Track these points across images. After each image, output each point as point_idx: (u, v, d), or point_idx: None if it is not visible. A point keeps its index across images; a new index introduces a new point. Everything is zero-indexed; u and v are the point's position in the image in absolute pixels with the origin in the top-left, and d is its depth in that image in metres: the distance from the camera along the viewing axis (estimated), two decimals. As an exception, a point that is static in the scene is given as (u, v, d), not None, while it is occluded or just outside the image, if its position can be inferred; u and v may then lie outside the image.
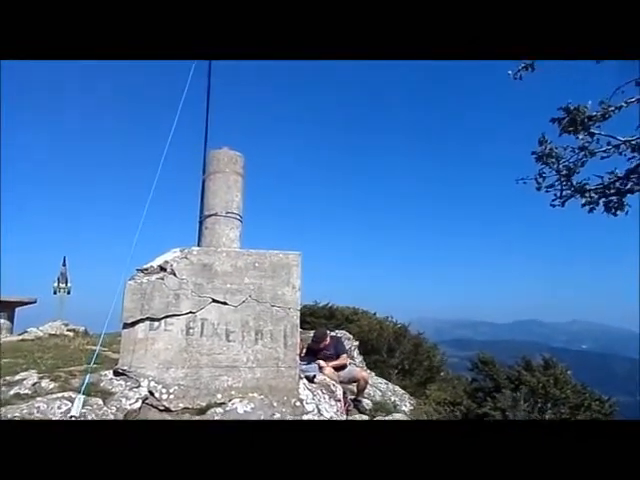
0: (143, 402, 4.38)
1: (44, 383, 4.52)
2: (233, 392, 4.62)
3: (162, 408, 4.46)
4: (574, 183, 4.12)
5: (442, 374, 11.78)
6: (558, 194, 4.24)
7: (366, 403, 6.08)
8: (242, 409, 4.42)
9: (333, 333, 7.18)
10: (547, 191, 4.21)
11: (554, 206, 4.25)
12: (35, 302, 11.06)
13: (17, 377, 4.66)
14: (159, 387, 4.51)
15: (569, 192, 4.16)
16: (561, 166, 4.12)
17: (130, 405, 4.26)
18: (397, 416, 5.81)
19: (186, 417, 4.38)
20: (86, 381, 4.21)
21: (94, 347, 6.75)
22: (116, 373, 4.58)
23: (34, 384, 4.50)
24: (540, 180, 4.20)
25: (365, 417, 5.56)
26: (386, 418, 5.64)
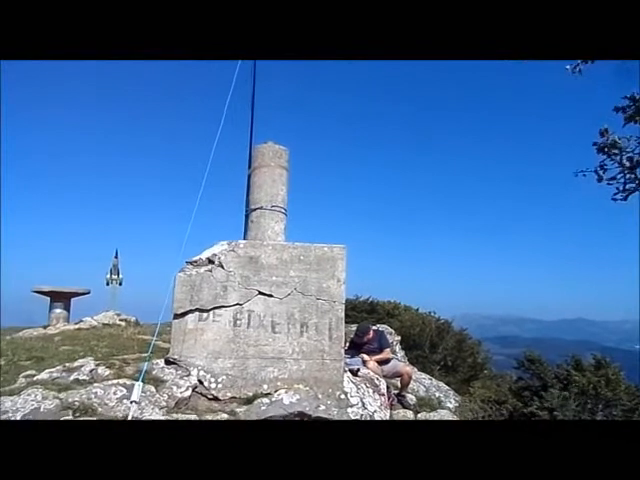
0: (193, 390, 4.52)
1: (100, 370, 4.74)
2: (279, 383, 4.70)
3: (211, 397, 4.59)
4: (638, 176, 3.90)
5: (486, 371, 11.52)
6: (621, 187, 4.03)
7: (410, 398, 6.04)
8: (288, 400, 4.49)
9: (375, 327, 7.15)
10: (609, 184, 4.01)
11: (616, 200, 4.03)
12: (89, 293, 11.58)
13: (76, 364, 4.92)
14: (208, 376, 4.64)
15: (633, 185, 3.94)
16: (625, 158, 3.91)
17: (181, 393, 4.41)
18: (442, 412, 5.74)
19: (234, 406, 4.49)
20: (143, 369, 4.38)
21: (145, 336, 7.02)
22: (167, 362, 4.74)
23: (91, 370, 4.73)
24: (601, 172, 4.00)
25: (409, 412, 5.53)
26: (431, 414, 5.59)
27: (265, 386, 4.68)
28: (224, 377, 4.66)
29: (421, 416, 5.51)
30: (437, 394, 7.01)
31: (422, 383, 7.25)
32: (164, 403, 4.24)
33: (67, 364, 4.94)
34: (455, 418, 5.75)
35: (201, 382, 4.60)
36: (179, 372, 4.63)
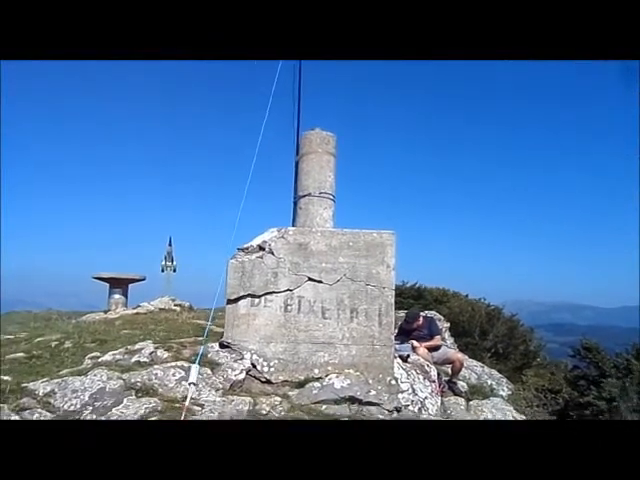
0: (247, 374, 4.66)
1: (159, 352, 4.96)
2: (330, 368, 4.75)
3: (264, 380, 4.71)
4: None
5: (539, 360, 11.17)
6: None
7: (461, 385, 5.96)
8: (339, 384, 4.54)
9: (424, 314, 7.08)
10: None
11: None
12: (145, 279, 12.10)
13: (136, 346, 5.17)
14: (260, 360, 4.76)
15: None
16: None
17: (235, 376, 4.55)
18: (495, 400, 5.64)
19: (286, 389, 4.59)
20: (200, 352, 4.56)
21: (199, 321, 7.28)
22: (221, 345, 4.90)
23: (151, 353, 4.96)
24: None
25: (461, 400, 5.46)
26: (483, 402, 5.50)
27: (316, 370, 4.75)
28: (276, 361, 4.77)
29: (473, 403, 5.44)
30: (489, 382, 6.89)
31: (474, 370, 7.14)
32: (220, 385, 4.40)
33: (128, 347, 5.20)
34: (509, 406, 5.64)
35: (254, 365, 4.73)
36: (233, 355, 4.78)
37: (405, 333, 6.15)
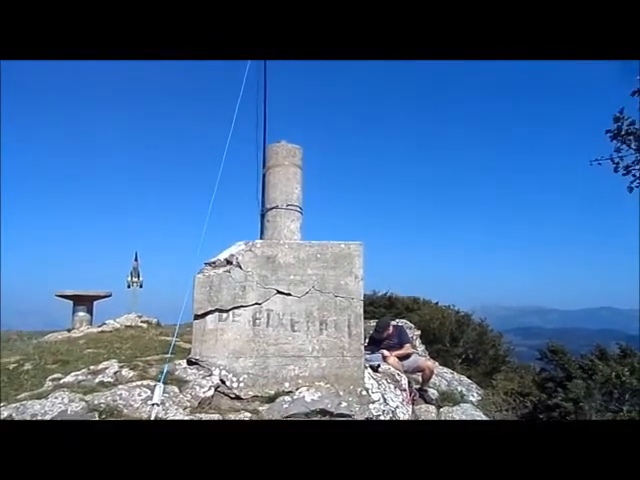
0: (215, 390, 4.57)
1: (124, 372, 4.81)
2: (300, 381, 4.71)
3: (233, 396, 4.63)
4: None
5: (508, 364, 11.39)
6: (638, 174, 3.93)
7: (432, 393, 6.01)
8: (309, 397, 4.50)
9: (394, 322, 7.12)
10: (624, 174, 3.91)
11: (632, 189, 3.93)
12: (110, 296, 11.77)
13: (100, 366, 5.00)
14: (230, 376, 4.68)
15: None
16: None
17: (204, 393, 4.45)
18: (465, 406, 5.70)
19: (256, 404, 4.52)
20: (165, 370, 4.44)
21: (167, 337, 7.11)
22: (189, 362, 4.80)
23: (115, 373, 4.81)
24: (617, 160, 3.90)
25: (432, 407, 5.50)
26: (453, 408, 5.55)
27: (286, 384, 4.70)
28: (245, 376, 4.70)
29: (444, 410, 5.49)
30: (459, 388, 6.97)
31: (444, 377, 7.22)
32: (187, 403, 4.29)
33: (92, 367, 5.03)
34: (478, 412, 5.71)
35: (223, 381, 4.65)
36: (201, 372, 4.68)
37: (376, 343, 6.17)
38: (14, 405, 4.11)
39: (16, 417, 3.95)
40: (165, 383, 4.23)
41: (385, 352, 5.85)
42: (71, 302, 11.28)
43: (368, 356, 5.53)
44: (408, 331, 7.62)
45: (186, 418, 4.05)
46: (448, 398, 6.05)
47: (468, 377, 8.07)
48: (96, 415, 3.97)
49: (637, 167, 3.96)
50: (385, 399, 4.91)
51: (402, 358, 5.95)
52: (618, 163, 3.94)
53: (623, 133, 3.82)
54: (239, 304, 4.81)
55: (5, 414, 3.98)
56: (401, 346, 6.09)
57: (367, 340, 6.10)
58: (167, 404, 4.15)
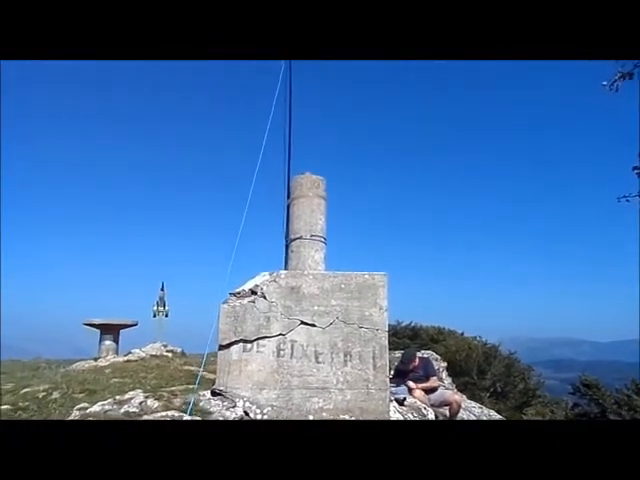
0: (239, 422, 4.53)
1: (149, 402, 4.83)
2: (324, 414, 4.64)
3: (257, 428, 4.59)
4: None
5: (539, 398, 11.00)
6: None
7: (460, 428, 5.83)
8: (334, 431, 4.42)
9: (420, 354, 7.00)
10: None
11: None
12: (137, 325, 11.93)
13: (126, 396, 5.04)
14: (253, 407, 4.64)
15: None
16: None
17: (227, 425, 4.43)
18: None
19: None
20: (191, 402, 4.44)
21: (191, 367, 7.14)
22: (213, 393, 4.79)
23: (140, 403, 4.82)
24: None
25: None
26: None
27: (310, 417, 4.63)
28: (269, 408, 4.66)
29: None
30: (488, 423, 6.73)
31: (472, 412, 7.00)
32: (211, 435, 4.27)
33: (117, 397, 5.06)
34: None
35: (247, 413, 4.61)
36: (225, 403, 4.66)
37: (401, 375, 6.07)
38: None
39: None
40: (190, 415, 4.22)
41: (411, 384, 5.74)
42: (98, 331, 11.47)
43: (393, 389, 5.43)
44: (434, 363, 7.46)
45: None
46: (477, 434, 5.84)
47: (497, 411, 7.81)
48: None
49: None
50: (411, 434, 4.78)
51: (428, 391, 5.82)
52: None
53: None
54: (263, 335, 4.81)
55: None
56: (427, 378, 5.97)
57: (392, 372, 6.00)
58: (191, 436, 4.13)
